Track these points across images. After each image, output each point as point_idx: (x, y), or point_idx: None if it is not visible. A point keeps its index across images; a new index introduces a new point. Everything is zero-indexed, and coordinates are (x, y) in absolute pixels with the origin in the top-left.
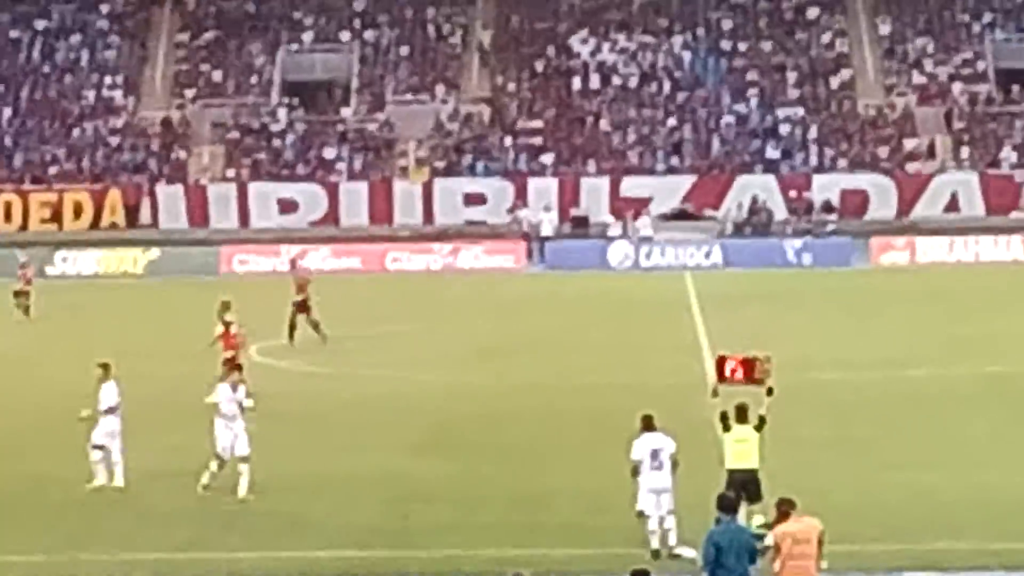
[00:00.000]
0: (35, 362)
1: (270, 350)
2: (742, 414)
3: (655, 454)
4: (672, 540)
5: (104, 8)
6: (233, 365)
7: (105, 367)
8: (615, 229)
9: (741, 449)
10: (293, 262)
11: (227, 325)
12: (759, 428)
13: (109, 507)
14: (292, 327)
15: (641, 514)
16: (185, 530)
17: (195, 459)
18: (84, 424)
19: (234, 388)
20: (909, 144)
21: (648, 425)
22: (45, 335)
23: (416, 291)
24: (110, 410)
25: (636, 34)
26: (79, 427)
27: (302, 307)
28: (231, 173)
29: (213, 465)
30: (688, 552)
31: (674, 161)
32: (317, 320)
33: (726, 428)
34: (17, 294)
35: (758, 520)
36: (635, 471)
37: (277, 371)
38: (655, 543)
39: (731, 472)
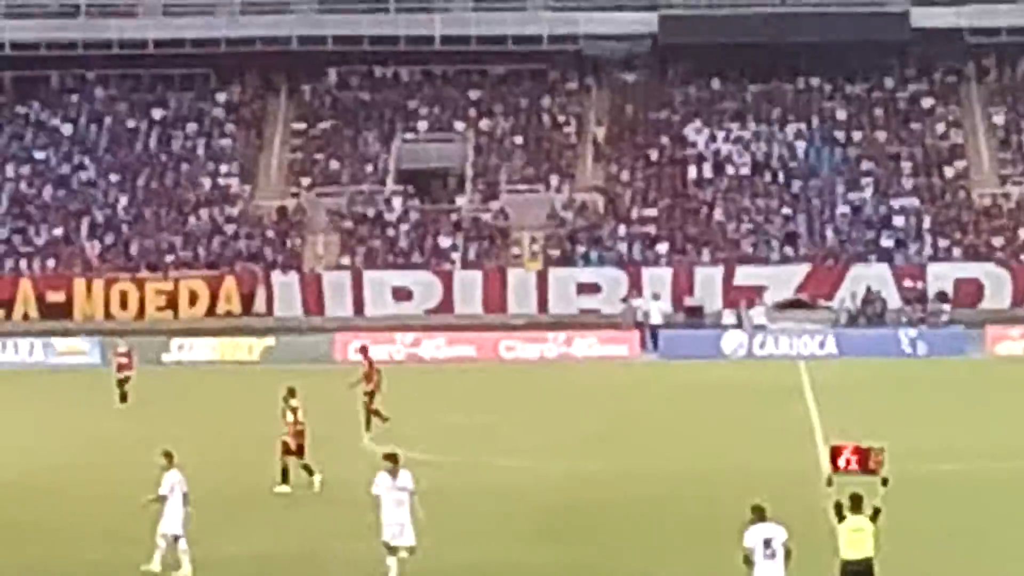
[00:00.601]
0: (129, 447)
1: (381, 438)
2: (857, 503)
3: (768, 543)
4: None
5: (220, 97)
6: (296, 451)
7: (168, 455)
8: (729, 318)
9: (856, 539)
10: (364, 350)
11: (294, 411)
12: (874, 519)
13: None
14: (374, 414)
15: None
16: None
17: (303, 546)
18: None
19: (392, 475)
20: None
21: (761, 515)
22: (151, 421)
23: (530, 380)
24: (171, 498)
25: (750, 123)
26: (150, 514)
27: (371, 396)
28: (346, 261)
29: (389, 560)
30: None
31: (788, 251)
32: (379, 410)
33: (840, 518)
34: (120, 382)
35: None
36: (747, 560)
37: None
38: None
39: (845, 562)
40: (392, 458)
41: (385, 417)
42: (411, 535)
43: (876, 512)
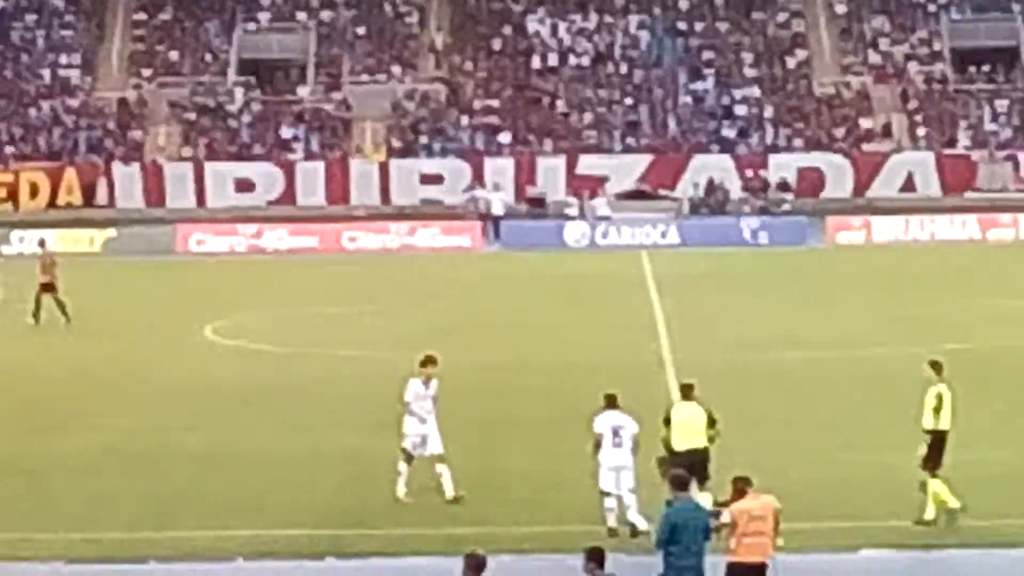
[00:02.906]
0: None
1: (224, 329)
2: (687, 392)
3: (616, 431)
4: (633, 517)
5: None
6: (48, 288)
7: None
8: (572, 208)
9: (688, 429)
10: (41, 243)
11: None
12: (712, 425)
13: (60, 487)
14: (37, 307)
15: (603, 491)
16: (135, 508)
17: (144, 440)
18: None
19: (426, 384)
20: (865, 124)
21: (611, 403)
22: None
23: (373, 270)
24: None
25: (592, 14)
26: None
27: (47, 287)
28: (188, 152)
29: (402, 466)
30: (642, 523)
31: (630, 141)
32: (63, 300)
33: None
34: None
35: (705, 500)
36: (596, 447)
37: (230, 350)
38: (612, 521)
39: (677, 454)
40: (432, 362)
41: (68, 315)
42: (438, 443)
43: (713, 422)
